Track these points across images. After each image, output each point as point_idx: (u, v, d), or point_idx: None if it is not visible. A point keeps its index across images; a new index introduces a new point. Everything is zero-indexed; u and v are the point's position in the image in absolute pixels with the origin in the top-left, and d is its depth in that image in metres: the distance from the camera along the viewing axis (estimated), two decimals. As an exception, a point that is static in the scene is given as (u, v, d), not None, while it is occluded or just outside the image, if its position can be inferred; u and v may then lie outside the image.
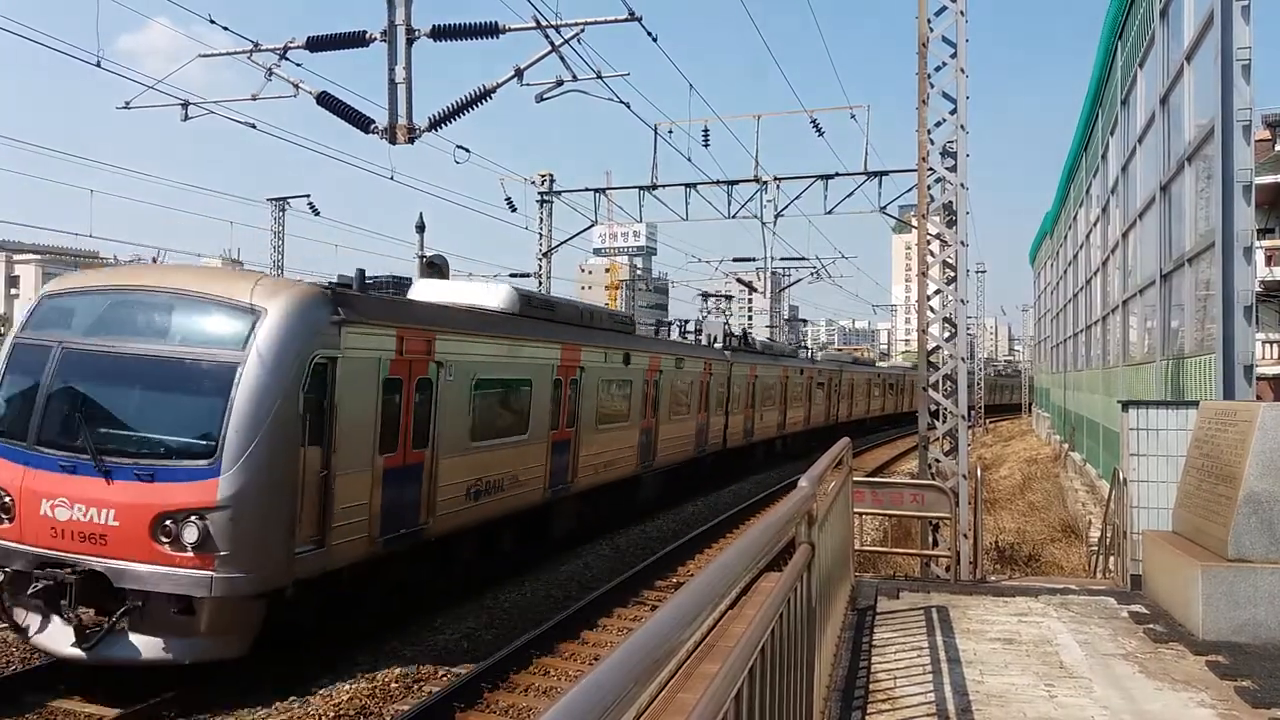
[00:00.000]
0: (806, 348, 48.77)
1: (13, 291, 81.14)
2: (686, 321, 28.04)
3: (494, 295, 13.74)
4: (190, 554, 8.05)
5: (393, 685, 8.79)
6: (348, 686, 8.64)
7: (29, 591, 8.15)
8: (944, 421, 10.69)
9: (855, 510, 8.39)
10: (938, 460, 10.56)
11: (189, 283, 9.16)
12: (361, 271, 10.92)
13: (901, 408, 50.56)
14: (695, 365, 21.51)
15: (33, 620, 8.40)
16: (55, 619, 8.25)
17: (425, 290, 13.46)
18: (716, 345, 25.40)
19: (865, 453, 34.44)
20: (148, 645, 8.19)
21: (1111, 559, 9.64)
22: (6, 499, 8.58)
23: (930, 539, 10.70)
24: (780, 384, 29.73)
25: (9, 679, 8.71)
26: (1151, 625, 6.92)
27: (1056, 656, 6.17)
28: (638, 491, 18.55)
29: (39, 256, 79.72)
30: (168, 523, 8.11)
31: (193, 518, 8.09)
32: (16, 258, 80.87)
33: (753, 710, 2.29)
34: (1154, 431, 8.36)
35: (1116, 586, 8.61)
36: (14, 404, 9.04)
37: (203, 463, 8.24)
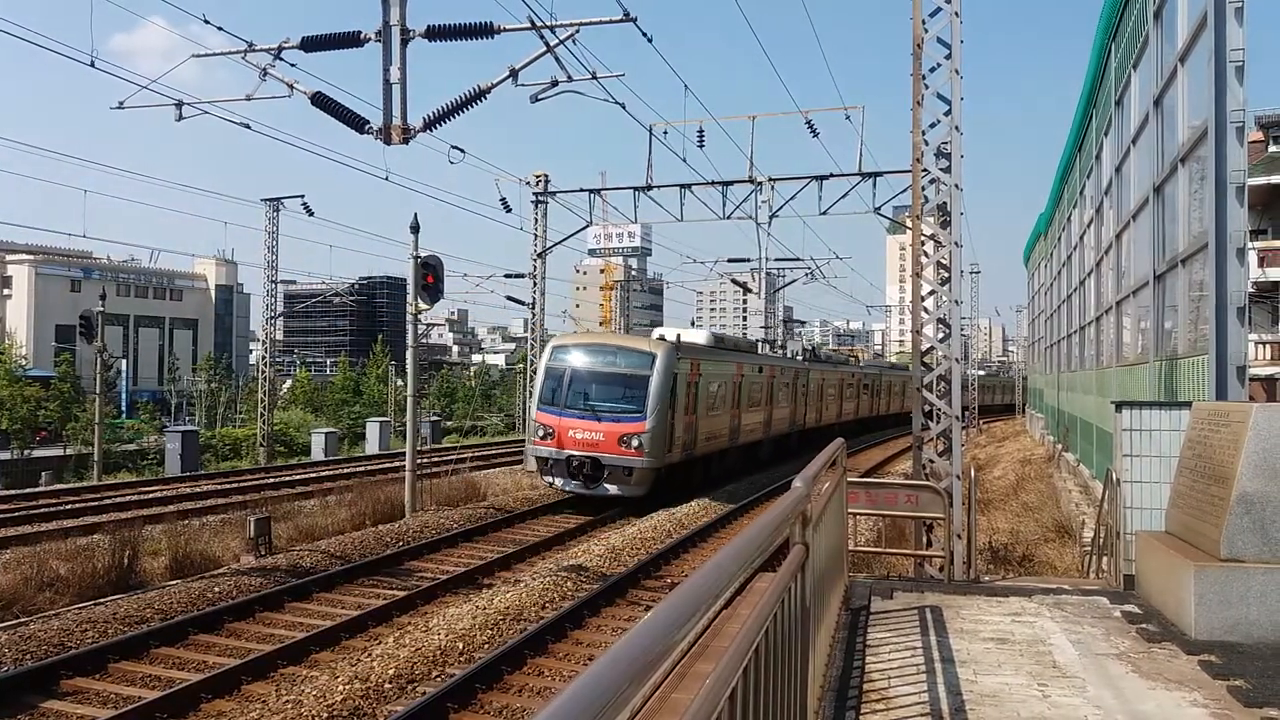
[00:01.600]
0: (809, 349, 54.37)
1: (5, 292, 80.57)
2: (773, 340, 40.93)
3: (700, 335, 26.54)
4: (633, 451, 19.60)
5: (386, 686, 8.78)
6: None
7: (566, 469, 20.06)
8: (938, 422, 10.71)
9: (849, 511, 8.40)
10: (932, 461, 10.57)
11: (623, 341, 21.92)
12: (679, 335, 23.04)
13: None
14: (789, 371, 32.31)
15: (559, 479, 20.38)
16: (570, 480, 20.17)
17: (658, 332, 24.19)
18: (798, 357, 37.01)
19: (860, 453, 34.58)
20: (612, 487, 19.89)
21: (1105, 559, 9.66)
22: (551, 430, 20.27)
23: (924, 539, 10.72)
24: (838, 384, 40.71)
25: (3, 680, 8.69)
26: (1144, 625, 6.94)
27: (1050, 656, 6.18)
28: (761, 450, 29.55)
29: (32, 257, 79.41)
30: (624, 438, 19.62)
31: (635, 437, 19.59)
32: (9, 258, 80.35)
33: (747, 710, 2.29)
34: (1147, 432, 8.37)
35: (1110, 586, 8.63)
36: (550, 390, 20.73)
37: (637, 415, 19.81)
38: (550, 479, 20.69)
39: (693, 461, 22.59)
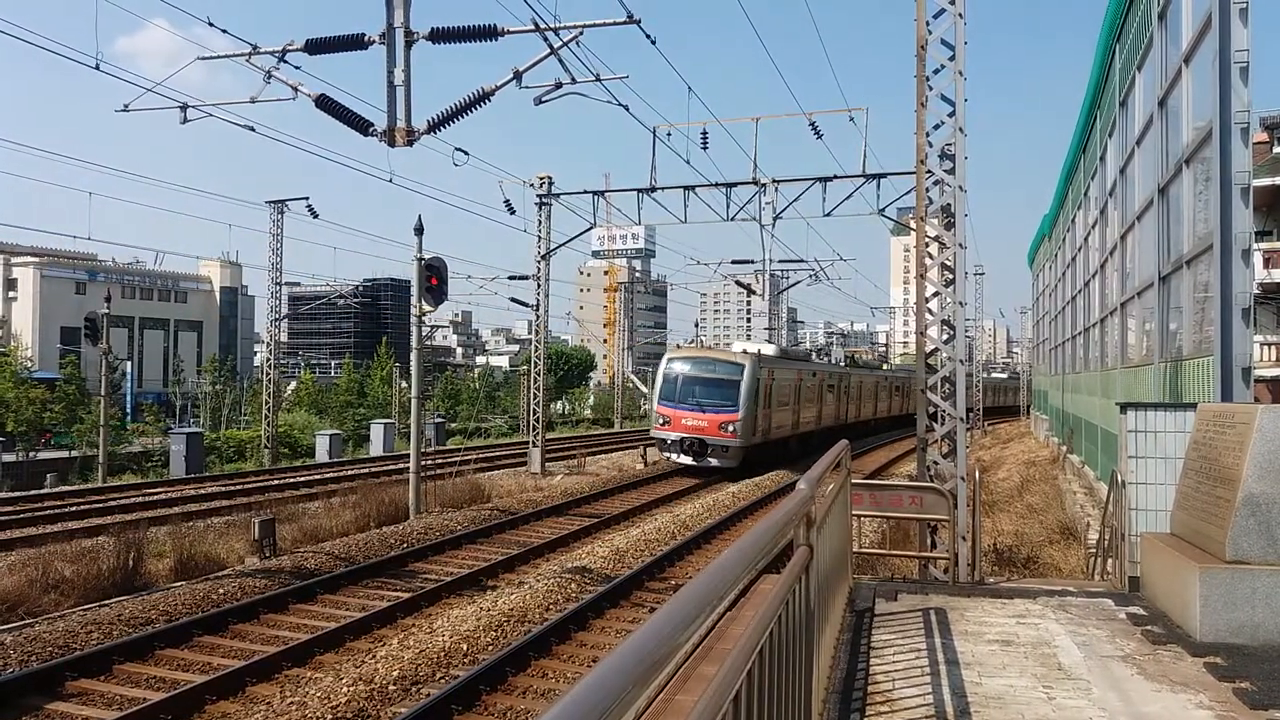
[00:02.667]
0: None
1: (11, 294, 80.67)
2: (820, 348, 50.65)
3: (770, 348, 33.72)
4: (729, 435, 27.16)
5: (390, 687, 8.78)
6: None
7: (681, 447, 27.62)
8: (942, 424, 10.69)
9: (854, 513, 8.39)
10: (936, 462, 10.55)
11: (720, 354, 30.03)
12: (758, 349, 31.47)
13: None
14: (835, 376, 39.91)
15: (674, 454, 27.92)
16: (683, 455, 27.65)
17: (739, 346, 32.43)
18: (841, 364, 45.11)
19: (864, 455, 34.59)
20: (713, 461, 27.31)
21: (1110, 561, 9.63)
22: (668, 419, 27.99)
23: (928, 541, 10.70)
24: (874, 386, 47.91)
25: (8, 681, 8.71)
26: (1149, 627, 6.92)
27: (1055, 658, 6.17)
28: (813, 440, 35.09)
29: (37, 259, 79.55)
30: (723, 425, 27.20)
31: (731, 424, 27.18)
32: (14, 260, 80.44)
33: (751, 712, 2.29)
34: (1152, 434, 8.36)
35: (1114, 588, 8.62)
36: (668, 390, 28.48)
37: (732, 408, 27.31)
38: (668, 455, 28.32)
39: (767, 444, 30.05)
